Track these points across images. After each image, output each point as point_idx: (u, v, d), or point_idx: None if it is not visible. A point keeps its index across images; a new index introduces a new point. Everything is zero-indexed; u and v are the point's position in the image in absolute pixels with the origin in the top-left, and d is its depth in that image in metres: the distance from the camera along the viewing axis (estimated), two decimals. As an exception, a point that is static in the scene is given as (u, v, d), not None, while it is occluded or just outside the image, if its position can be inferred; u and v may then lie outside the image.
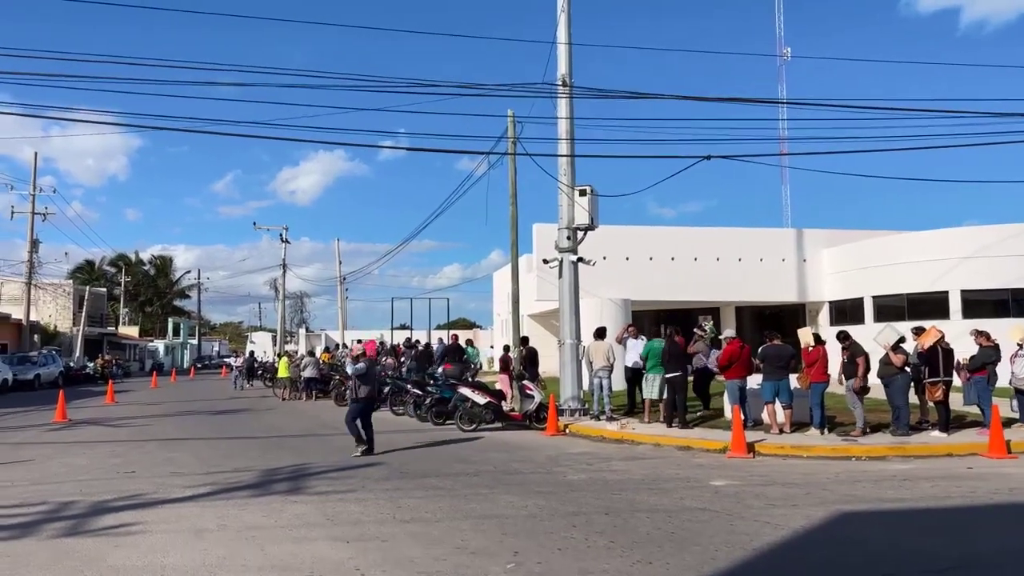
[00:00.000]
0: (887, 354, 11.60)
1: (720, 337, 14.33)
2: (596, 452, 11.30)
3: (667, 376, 13.06)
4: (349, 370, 11.79)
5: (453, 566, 5.42)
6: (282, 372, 24.46)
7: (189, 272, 74.87)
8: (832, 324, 24.47)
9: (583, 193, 14.86)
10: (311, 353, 25.81)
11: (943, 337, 11.94)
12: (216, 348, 79.00)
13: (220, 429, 15.51)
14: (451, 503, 7.65)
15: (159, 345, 62.64)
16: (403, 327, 53.35)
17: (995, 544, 6.08)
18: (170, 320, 69.69)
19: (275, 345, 50.92)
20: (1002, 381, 12.25)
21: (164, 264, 73.63)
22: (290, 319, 70.35)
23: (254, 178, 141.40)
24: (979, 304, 21.28)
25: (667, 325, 16.83)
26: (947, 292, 21.53)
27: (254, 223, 51.58)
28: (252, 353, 36.28)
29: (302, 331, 62.17)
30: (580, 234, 15.29)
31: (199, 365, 58.52)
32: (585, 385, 15.33)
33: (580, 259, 15.26)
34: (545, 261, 15.86)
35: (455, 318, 69.18)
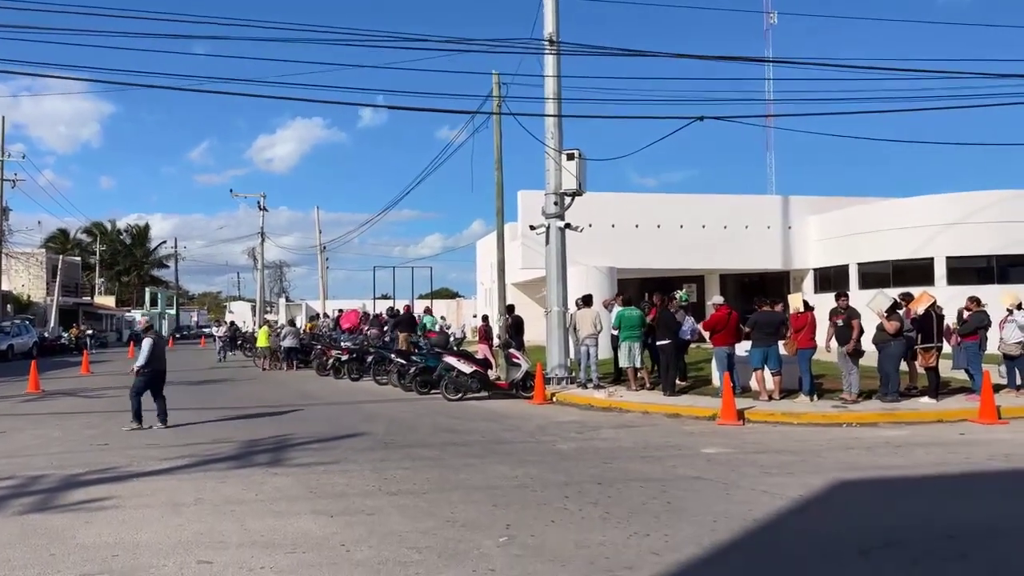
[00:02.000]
0: (881, 320, 11.47)
1: (711, 303, 14.13)
2: (585, 420, 11.12)
3: (658, 344, 12.89)
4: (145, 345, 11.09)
5: (443, 540, 5.18)
6: (262, 342, 24.02)
7: (166, 242, 73.48)
8: (816, 291, 24.43)
9: (571, 157, 14.49)
10: (291, 323, 25.40)
11: (935, 302, 11.83)
12: (195, 318, 78.03)
13: (199, 400, 15.15)
14: (439, 474, 7.42)
15: (136, 315, 61.64)
16: (385, 296, 52.87)
17: (998, 511, 5.96)
18: (147, 290, 68.51)
19: (255, 315, 50.31)
20: (990, 347, 12.21)
21: (140, 233, 72.17)
22: (269, 289, 69.48)
23: (231, 146, 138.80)
24: (963, 271, 21.29)
25: (652, 293, 16.66)
26: (932, 259, 21.50)
27: (231, 190, 50.55)
28: (233, 323, 35.63)
29: (282, 301, 61.53)
30: (567, 199, 14.96)
31: (178, 335, 57.74)
32: (571, 353, 15.14)
33: (568, 225, 14.96)
34: (532, 227, 15.53)
35: (437, 288, 68.72)
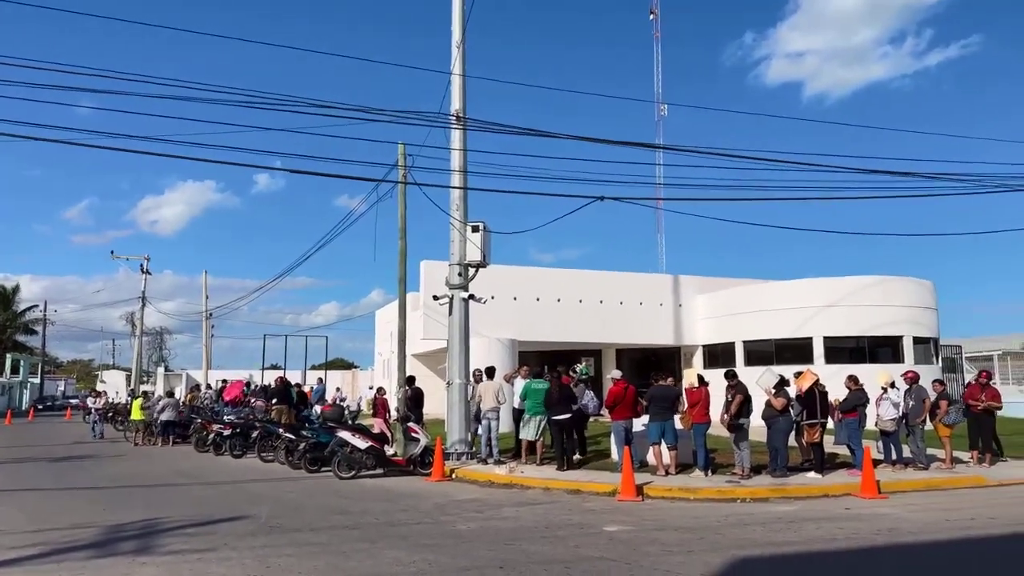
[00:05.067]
0: (768, 397, 11.91)
1: (609, 377, 14.28)
2: (485, 499, 10.76)
3: (554, 418, 12.82)
4: None
5: (332, 637, 4.72)
6: (135, 414, 22.20)
7: (36, 306, 67.80)
8: (705, 367, 25.34)
9: (476, 229, 14.55)
10: (170, 393, 23.68)
11: (818, 380, 12.43)
12: (61, 388, 71.64)
13: (58, 479, 13.67)
14: (328, 561, 6.88)
15: (-9, 383, 55.99)
16: (275, 367, 50.65)
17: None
18: (8, 356, 62.61)
19: (129, 385, 46.82)
20: (869, 423, 12.89)
21: (5, 295, 66.37)
22: (148, 357, 65.30)
23: (112, 205, 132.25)
24: (839, 350, 22.73)
25: (552, 367, 16.73)
26: (811, 338, 22.87)
27: (112, 252, 47.50)
28: (105, 392, 32.80)
29: (160, 370, 57.67)
30: (472, 271, 14.93)
31: (40, 407, 52.71)
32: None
33: (471, 296, 14.87)
34: (435, 297, 15.33)
35: (332, 358, 66.59)
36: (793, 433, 12.28)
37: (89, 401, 28.68)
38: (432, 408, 18.42)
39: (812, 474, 11.88)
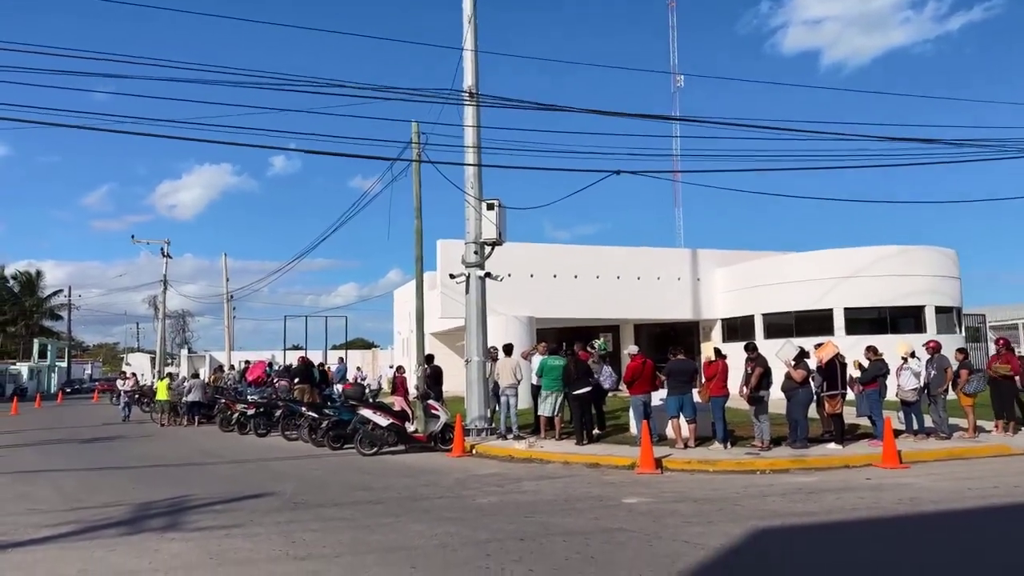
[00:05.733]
0: (788, 369, 11.87)
1: (626, 352, 14.29)
2: (505, 473, 10.88)
3: (575, 393, 12.88)
4: None
5: (358, 608, 4.83)
6: (161, 395, 22.59)
7: (61, 291, 68.86)
8: (724, 341, 25.26)
9: (491, 207, 14.54)
10: (196, 375, 24.04)
11: (839, 351, 12.36)
12: (88, 371, 73.05)
13: (88, 459, 14.00)
14: (352, 535, 7.01)
15: (22, 368, 57.17)
16: (296, 347, 51.17)
17: (913, 557, 6.10)
18: (35, 341, 63.81)
19: (153, 367, 47.58)
20: (889, 394, 12.81)
21: (30, 280, 67.46)
22: (171, 339, 66.14)
23: (130, 191, 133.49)
24: (859, 321, 22.52)
25: (570, 343, 16.76)
26: (831, 310, 22.68)
27: (132, 236, 47.78)
28: (134, 374, 33.14)
29: (184, 352, 58.55)
30: (488, 249, 14.95)
31: (68, 390, 53.80)
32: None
33: (488, 274, 14.91)
34: (452, 276, 15.39)
35: (352, 338, 67.15)
36: (813, 405, 12.24)
37: (118, 383, 29.16)
38: (451, 386, 18.58)
39: (832, 445, 11.86)
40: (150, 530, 7.35)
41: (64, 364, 64.58)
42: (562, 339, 24.24)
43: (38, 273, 68.14)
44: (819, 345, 12.85)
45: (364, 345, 68.72)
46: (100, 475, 11.75)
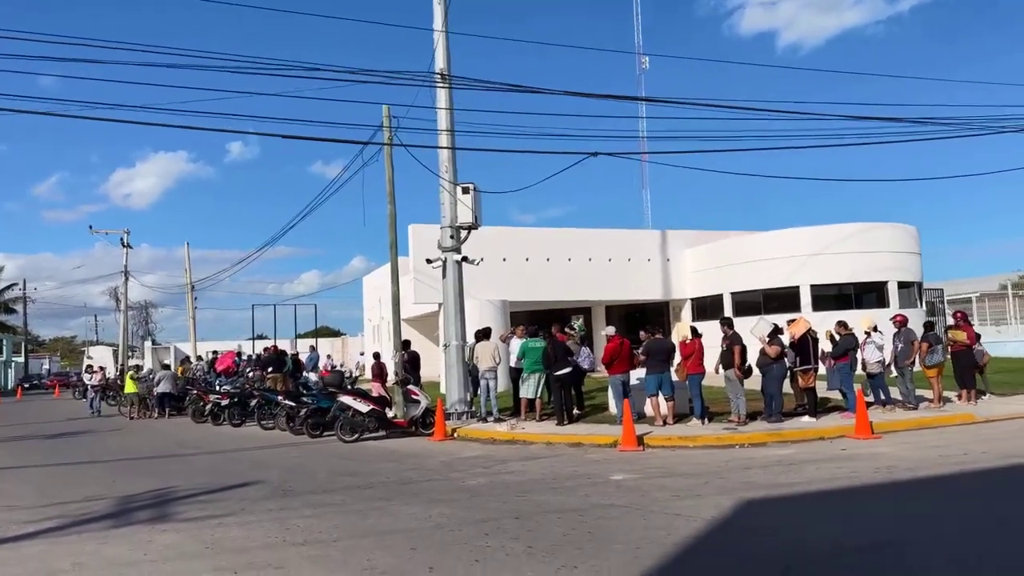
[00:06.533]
0: (763, 346, 12.13)
1: (603, 334, 14.44)
2: (490, 455, 10.96)
3: (556, 374, 12.99)
4: None
5: (365, 590, 4.86)
6: (129, 388, 22.16)
7: (15, 284, 66.72)
8: (695, 319, 25.63)
9: (466, 191, 14.51)
10: (166, 366, 23.60)
11: (811, 327, 12.66)
12: (46, 366, 71.15)
13: (60, 455, 13.69)
14: (346, 520, 7.01)
15: (-25, 364, 55.47)
16: (261, 336, 50.50)
17: (896, 523, 6.33)
18: (-10, 336, 61.83)
19: (116, 359, 46.54)
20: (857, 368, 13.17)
21: (-19, 274, 65.30)
22: (134, 331, 64.76)
23: (83, 180, 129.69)
24: (825, 298, 23.07)
25: (543, 325, 16.86)
26: (798, 287, 23.18)
27: (90, 227, 46.56)
28: (103, 368, 32.15)
29: (148, 344, 57.36)
30: (464, 233, 14.93)
31: (26, 385, 52.35)
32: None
33: (465, 258, 14.90)
34: (429, 261, 15.34)
35: (316, 327, 66.50)
36: (787, 380, 12.53)
37: (85, 377, 28.46)
38: (425, 372, 18.56)
39: (807, 418, 12.18)
40: (139, 522, 7.25)
41: (21, 359, 62.80)
42: (535, 322, 24.37)
43: (-5, 267, 65.90)
44: (792, 321, 13.14)
45: (331, 333, 68.05)
46: (75, 470, 11.52)
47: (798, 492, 7.55)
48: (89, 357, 48.54)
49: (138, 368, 26.61)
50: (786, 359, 12.31)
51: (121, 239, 43.04)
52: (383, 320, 34.80)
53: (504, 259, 23.86)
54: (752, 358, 12.34)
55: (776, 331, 12.30)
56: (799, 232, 24.30)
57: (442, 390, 15.23)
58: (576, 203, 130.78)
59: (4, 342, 60.36)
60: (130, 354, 48.45)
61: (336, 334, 65.68)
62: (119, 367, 37.81)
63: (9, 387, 53.57)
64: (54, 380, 52.49)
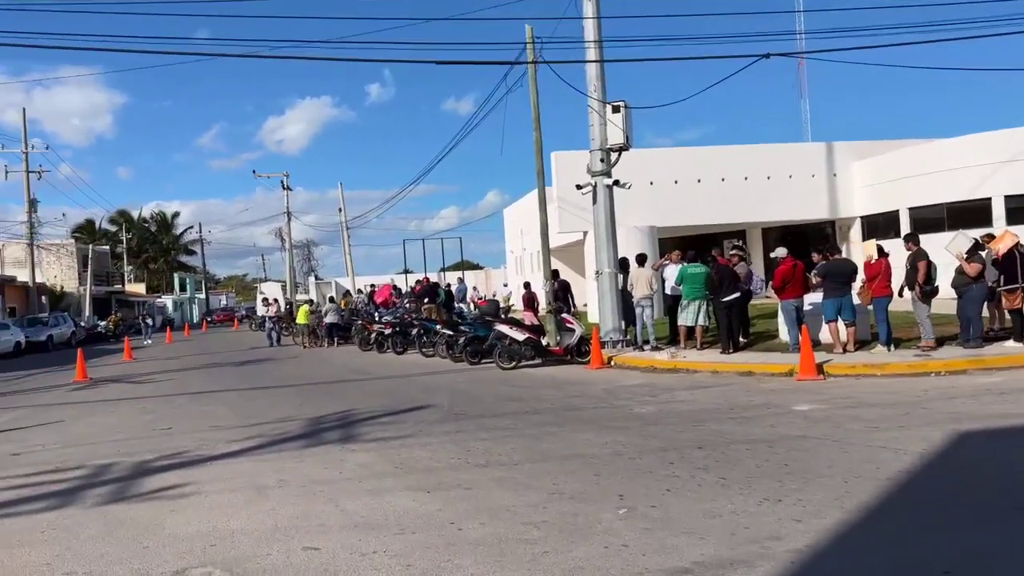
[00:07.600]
0: (961, 264, 10.84)
1: (773, 256, 13.54)
2: (653, 383, 10.68)
3: (724, 300, 12.35)
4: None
5: (558, 515, 4.78)
6: (301, 319, 23.86)
7: (192, 228, 73.74)
8: (864, 239, 23.59)
9: (616, 109, 13.83)
10: (331, 299, 25.18)
11: (1019, 242, 11.14)
12: (224, 302, 78.70)
13: (248, 380, 14.95)
14: (523, 444, 7.02)
15: (167, 301, 62.20)
16: (407, 271, 52.62)
17: None
18: (176, 276, 69.03)
19: (284, 294, 50.35)
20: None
21: (165, 220, 72.58)
22: (299, 268, 69.62)
23: (240, 129, 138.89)
24: (1023, 210, 20.36)
25: (700, 250, 16.07)
26: (989, 199, 20.60)
27: (254, 171, 50.14)
28: (276, 301, 34.38)
29: (311, 279, 61.52)
30: (614, 155, 14.34)
31: (209, 319, 58.17)
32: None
33: (616, 182, 14.35)
34: (579, 186, 14.93)
35: (457, 261, 68.42)
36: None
37: (261, 310, 31.10)
38: (576, 300, 18.41)
39: (1011, 343, 10.86)
40: (330, 442, 7.67)
41: (202, 296, 69.66)
42: (685, 247, 23.50)
43: (176, 214, 73.11)
44: (992, 236, 11.64)
45: (471, 266, 69.80)
46: (264, 393, 12.48)
47: (1019, 424, 6.69)
48: (262, 292, 52.82)
49: (310, 302, 28.54)
50: (986, 278, 10.94)
51: (281, 182, 45.77)
52: (525, 251, 34.96)
53: (651, 183, 22.89)
54: (946, 278, 11.08)
55: (976, 246, 10.94)
56: (989, 136, 21.41)
57: (590, 319, 15.03)
58: (714, 123, 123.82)
59: (188, 281, 67.03)
60: (297, 289, 52.29)
61: (476, 267, 67.32)
62: (288, 301, 40.82)
63: (196, 321, 59.68)
64: (221, 315, 58.03)
